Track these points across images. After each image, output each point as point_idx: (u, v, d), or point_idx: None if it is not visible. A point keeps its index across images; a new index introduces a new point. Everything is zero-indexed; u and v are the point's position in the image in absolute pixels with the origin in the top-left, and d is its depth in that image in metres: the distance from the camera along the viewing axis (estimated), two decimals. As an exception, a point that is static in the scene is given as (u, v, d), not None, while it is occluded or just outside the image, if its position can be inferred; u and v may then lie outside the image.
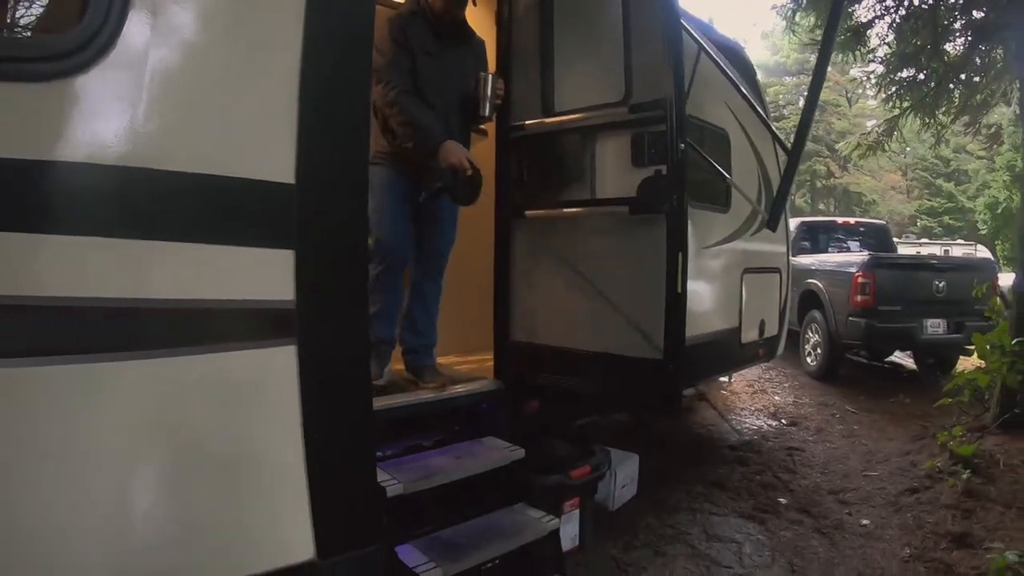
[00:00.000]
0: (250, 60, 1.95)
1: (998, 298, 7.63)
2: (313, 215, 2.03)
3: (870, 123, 13.15)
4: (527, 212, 3.95)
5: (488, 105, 3.74)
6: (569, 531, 3.74)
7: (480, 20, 4.58)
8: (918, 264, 9.33)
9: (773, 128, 5.36)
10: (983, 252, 17.55)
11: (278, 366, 1.96)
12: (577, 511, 3.80)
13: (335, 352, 2.11)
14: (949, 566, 4.04)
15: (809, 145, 38.48)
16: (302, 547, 2.01)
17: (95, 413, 1.70)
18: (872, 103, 19.83)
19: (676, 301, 3.50)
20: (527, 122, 3.96)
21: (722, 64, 4.66)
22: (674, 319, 3.49)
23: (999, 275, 9.61)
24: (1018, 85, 7.18)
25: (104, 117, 1.71)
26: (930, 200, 40.91)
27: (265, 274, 1.95)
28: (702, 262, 4.67)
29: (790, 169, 4.38)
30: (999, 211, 19.79)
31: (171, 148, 1.79)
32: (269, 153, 1.96)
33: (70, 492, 1.68)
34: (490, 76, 3.77)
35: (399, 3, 4.05)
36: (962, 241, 27.38)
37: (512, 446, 3.47)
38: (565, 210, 3.92)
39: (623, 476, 4.59)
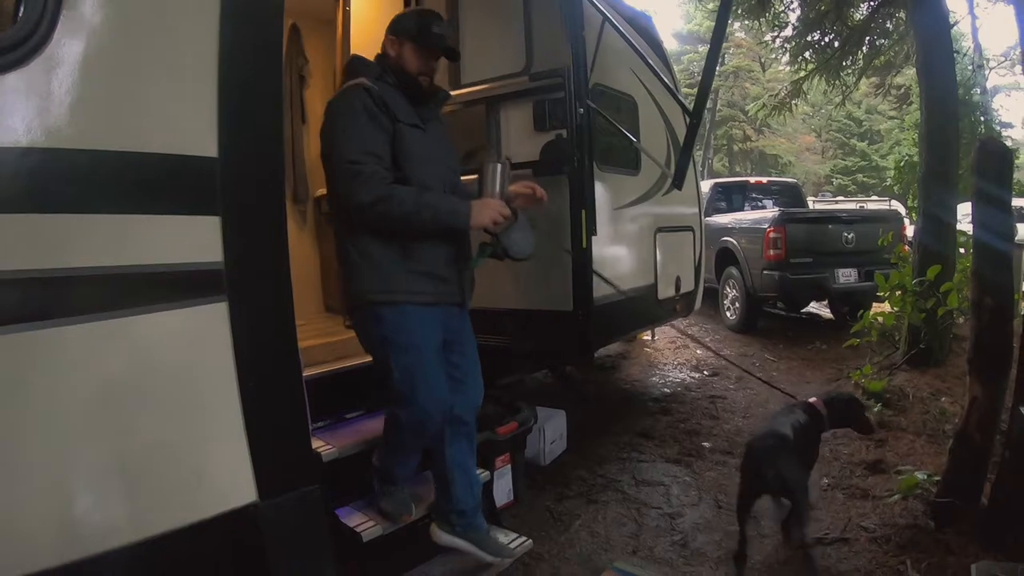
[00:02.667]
0: (173, 48, 2.07)
1: (905, 246, 8.00)
2: (235, 184, 2.17)
3: (785, 91, 13.55)
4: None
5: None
6: (503, 487, 3.89)
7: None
8: (827, 217, 9.61)
9: (679, 95, 5.55)
10: (897, 207, 18.10)
11: (212, 320, 2.11)
12: (509, 467, 3.96)
13: (261, 304, 2.27)
14: (865, 491, 4.30)
15: (725, 110, 39.07)
16: (244, 491, 2.16)
17: (49, 375, 1.82)
18: (785, 68, 20.31)
19: (582, 255, 3.66)
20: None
21: (627, 34, 4.80)
22: (581, 272, 3.66)
23: (907, 225, 9.97)
24: (917, 48, 7.49)
25: (48, 105, 1.82)
26: (844, 160, 42.00)
27: (195, 238, 2.09)
28: (614, 222, 4.81)
29: (692, 130, 4.56)
30: (902, 164, 20.46)
31: (106, 131, 1.92)
32: (193, 130, 2.10)
33: (17, 453, 1.78)
34: (499, 166, 2.99)
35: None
36: (876, 197, 28.25)
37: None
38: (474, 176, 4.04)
39: (552, 432, 4.76)
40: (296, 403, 2.38)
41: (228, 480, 2.15)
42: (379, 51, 3.04)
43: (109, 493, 1.93)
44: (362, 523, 3.04)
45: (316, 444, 3.09)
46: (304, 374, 2.50)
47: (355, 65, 3.03)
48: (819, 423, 3.73)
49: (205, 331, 2.11)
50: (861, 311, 6.95)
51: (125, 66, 1.96)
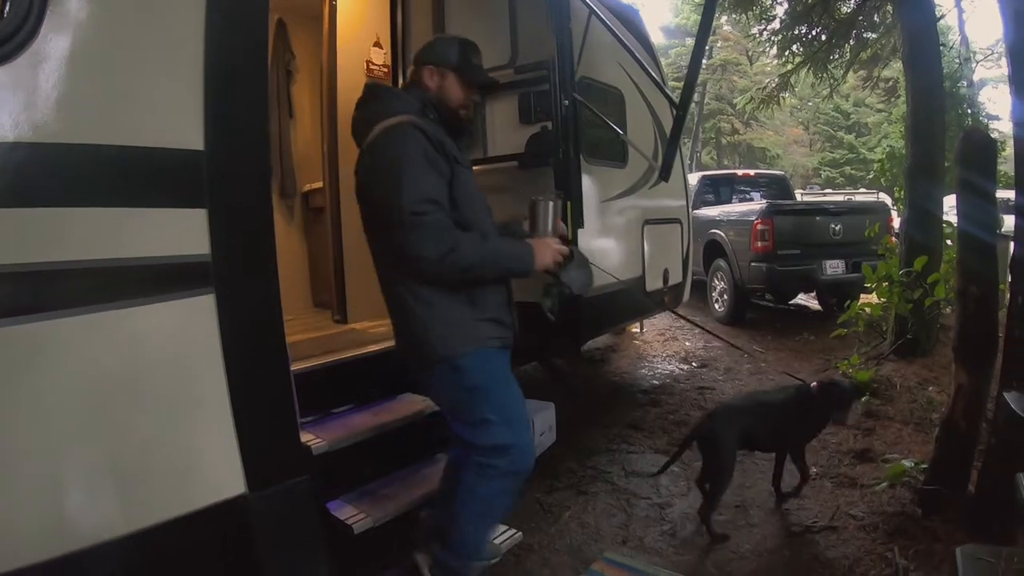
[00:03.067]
0: (160, 44, 2.07)
1: (892, 238, 8.04)
2: (221, 177, 2.18)
3: (772, 84, 13.68)
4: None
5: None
6: (493, 479, 3.89)
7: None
8: (814, 209, 9.65)
9: (666, 88, 5.57)
10: (885, 199, 18.18)
11: (199, 312, 2.11)
12: (499, 459, 3.96)
13: (248, 296, 2.28)
14: (853, 479, 4.34)
15: (713, 103, 39.10)
16: (234, 483, 2.17)
17: (39, 368, 1.83)
18: (773, 62, 20.41)
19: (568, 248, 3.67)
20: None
21: (613, 27, 4.81)
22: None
23: (894, 217, 9.99)
24: (903, 41, 7.55)
25: (35, 100, 1.83)
26: (832, 152, 42.11)
27: (183, 231, 2.10)
28: (602, 215, 4.83)
29: (678, 122, 4.59)
30: (885, 156, 20.53)
31: (92, 125, 1.92)
32: (179, 124, 2.10)
33: (8, 447, 1.80)
34: (551, 204, 2.86)
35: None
36: (864, 190, 28.34)
37: (427, 399, 3.59)
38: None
39: (541, 425, 4.74)
40: (284, 394, 2.39)
41: (217, 472, 2.16)
42: (410, 82, 2.88)
43: (99, 486, 1.94)
44: (353, 515, 3.05)
45: (306, 438, 3.09)
46: (293, 368, 2.51)
47: (388, 97, 2.78)
48: (809, 405, 3.86)
49: (192, 323, 2.12)
50: (848, 302, 6.98)
51: (111, 60, 1.96)
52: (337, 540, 2.93)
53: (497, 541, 3.29)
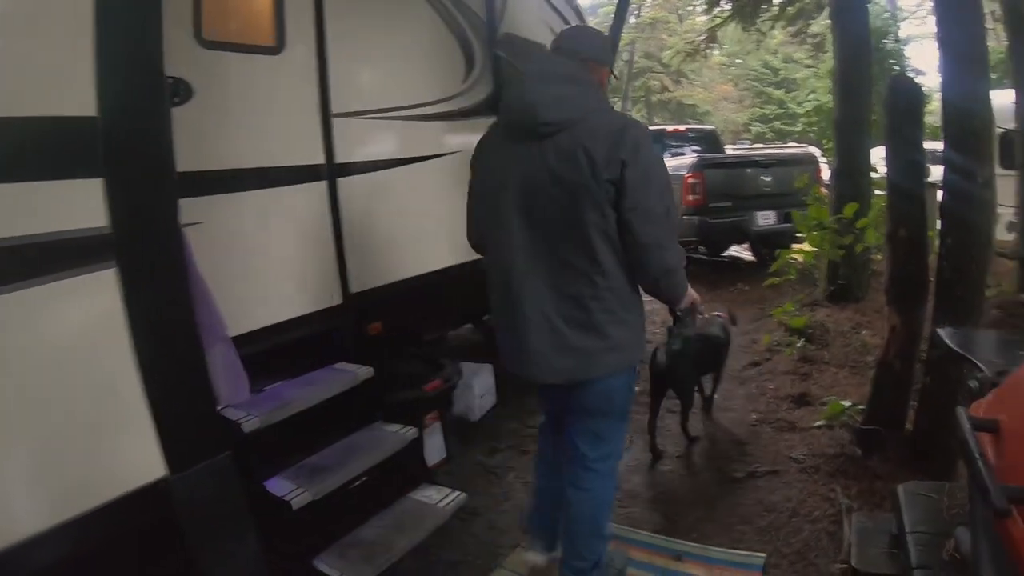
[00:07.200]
0: (45, 9, 1.91)
1: (822, 188, 8.14)
2: (118, 144, 2.03)
3: (700, 39, 13.78)
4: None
5: None
6: (435, 444, 3.82)
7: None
8: (744, 162, 9.73)
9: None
10: (814, 152, 18.47)
11: (101, 289, 1.97)
12: (438, 423, 3.88)
13: (153, 268, 2.13)
14: (792, 423, 4.41)
15: (642, 62, 39.14)
16: (153, 466, 2.05)
17: None
18: (702, 19, 20.55)
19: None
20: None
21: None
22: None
23: (823, 168, 10.10)
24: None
25: None
26: (762, 108, 42.55)
27: (79, 203, 1.94)
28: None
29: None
30: (810, 110, 20.80)
31: None
32: (68, 88, 1.94)
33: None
34: None
35: None
36: (794, 144, 28.75)
37: (360, 367, 3.49)
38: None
39: (480, 387, 4.71)
40: (196, 370, 2.28)
41: (134, 457, 2.04)
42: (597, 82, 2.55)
43: (5, 483, 1.81)
44: (291, 491, 2.95)
45: (236, 415, 2.98)
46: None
47: (598, 89, 2.54)
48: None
49: (94, 301, 1.98)
50: (779, 251, 7.05)
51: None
52: (277, 518, 2.84)
53: (441, 504, 3.24)
